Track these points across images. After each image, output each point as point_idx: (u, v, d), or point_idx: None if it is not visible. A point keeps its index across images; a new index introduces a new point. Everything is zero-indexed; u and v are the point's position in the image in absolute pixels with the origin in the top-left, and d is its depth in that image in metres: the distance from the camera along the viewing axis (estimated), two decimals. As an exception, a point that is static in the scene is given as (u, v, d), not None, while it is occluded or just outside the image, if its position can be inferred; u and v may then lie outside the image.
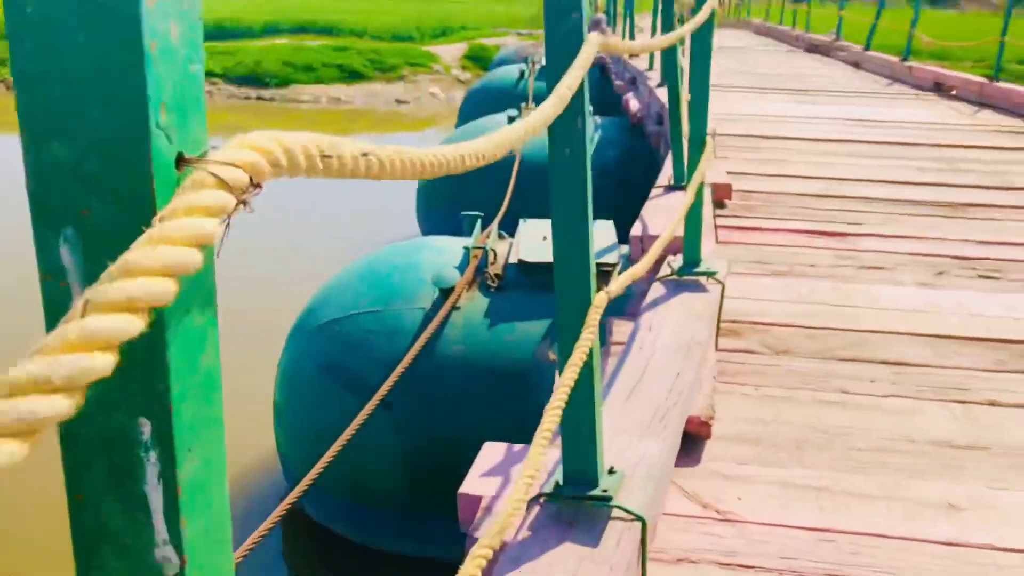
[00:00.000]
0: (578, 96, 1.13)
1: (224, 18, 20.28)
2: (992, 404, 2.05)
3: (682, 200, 2.33)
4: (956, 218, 3.57)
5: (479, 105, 11.28)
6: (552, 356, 3.72)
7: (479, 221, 4.31)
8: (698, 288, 2.28)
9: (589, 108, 1.21)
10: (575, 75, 1.00)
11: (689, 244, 2.31)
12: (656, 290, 2.29)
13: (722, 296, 2.30)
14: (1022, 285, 2.84)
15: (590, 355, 1.10)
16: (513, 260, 3.88)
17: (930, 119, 6.03)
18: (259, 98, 17.69)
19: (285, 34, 20.35)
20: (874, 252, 3.14)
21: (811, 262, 3.04)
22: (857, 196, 3.85)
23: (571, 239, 1.20)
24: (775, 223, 3.45)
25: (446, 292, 3.81)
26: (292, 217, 9.42)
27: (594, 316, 1.11)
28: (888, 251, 3.15)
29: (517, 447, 1.77)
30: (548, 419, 1.09)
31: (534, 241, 3.99)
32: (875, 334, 2.43)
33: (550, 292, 3.69)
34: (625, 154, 7.24)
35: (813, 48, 11.74)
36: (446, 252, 4.11)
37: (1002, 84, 6.57)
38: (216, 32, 19.95)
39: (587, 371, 1.13)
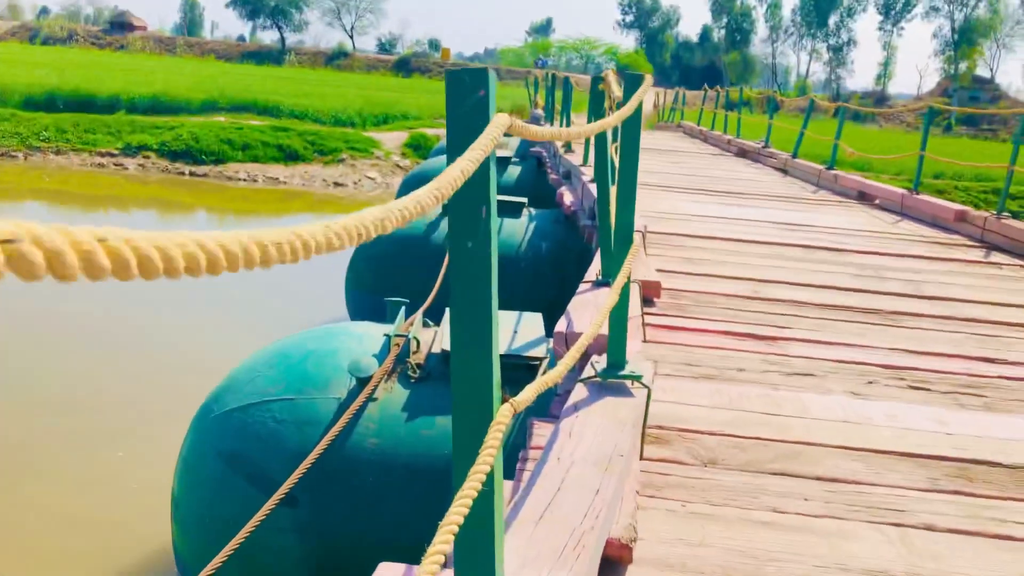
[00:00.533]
0: (481, 182, 1.00)
1: (161, 92, 20.11)
2: (928, 528, 1.93)
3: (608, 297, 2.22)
4: (884, 326, 3.55)
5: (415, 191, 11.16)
6: (472, 455, 3.53)
7: (403, 308, 4.14)
8: (623, 392, 2.14)
9: (494, 197, 1.07)
10: (474, 155, 0.87)
11: (614, 344, 2.18)
12: (579, 392, 2.14)
13: (648, 401, 2.16)
14: (950, 399, 2.78)
15: (489, 481, 0.92)
16: (437, 350, 3.70)
17: (855, 226, 6.17)
18: (192, 174, 17.41)
19: (224, 112, 20.26)
20: (803, 358, 3.06)
21: (740, 366, 2.94)
22: (786, 299, 3.82)
23: (470, 339, 1.04)
24: (704, 323, 3.37)
25: (363, 381, 3.60)
26: (213, 294, 9.09)
27: (495, 435, 0.94)
28: (817, 357, 3.08)
29: (417, 569, 1.57)
30: (439, 541, 0.91)
31: (459, 332, 3.83)
32: (806, 446, 2.32)
33: None
34: (559, 246, 7.21)
35: (743, 153, 12.14)
36: (366, 339, 3.91)
37: (922, 196, 6.81)
38: (152, 106, 19.74)
39: (485, 500, 0.96)
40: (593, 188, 5.89)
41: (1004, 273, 4.85)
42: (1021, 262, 5.15)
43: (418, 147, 19.94)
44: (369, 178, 17.85)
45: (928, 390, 2.85)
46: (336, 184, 17.59)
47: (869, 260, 4.95)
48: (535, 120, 25.06)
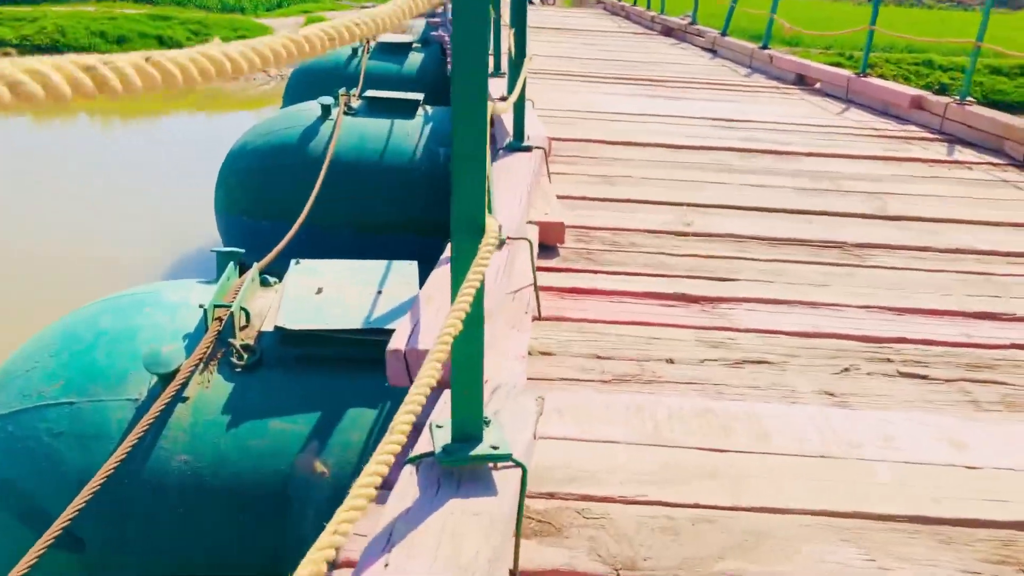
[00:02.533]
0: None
1: (18, -23, 17.70)
2: None
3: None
4: (849, 266, 2.73)
5: (304, 88, 9.91)
6: (319, 467, 2.64)
7: (234, 263, 3.14)
8: (479, 485, 1.26)
9: None
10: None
11: (461, 405, 1.27)
12: (406, 491, 1.25)
13: (522, 492, 1.29)
14: (959, 392, 2.00)
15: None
16: (269, 326, 2.76)
17: (797, 119, 5.32)
18: (61, 71, 15.43)
19: (93, 0, 18.00)
20: (754, 332, 2.23)
21: (669, 353, 2.09)
22: (725, 233, 2.96)
23: None
24: (621, 280, 2.49)
25: (167, 377, 2.66)
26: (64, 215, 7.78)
27: None
28: (772, 329, 2.25)
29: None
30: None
31: (303, 295, 2.87)
32: (771, 516, 1.50)
33: (320, 370, 2.52)
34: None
35: (668, 31, 11.08)
36: (182, 310, 2.94)
37: (870, 79, 5.97)
38: (8, -7, 17.37)
39: None
40: (495, 83, 4.87)
41: (975, 176, 4.08)
42: (991, 160, 4.39)
43: (318, 33, 18.10)
44: (262, 71, 16.15)
45: (926, 378, 2.06)
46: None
47: (818, 164, 4.12)
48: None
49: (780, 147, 4.43)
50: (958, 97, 5.06)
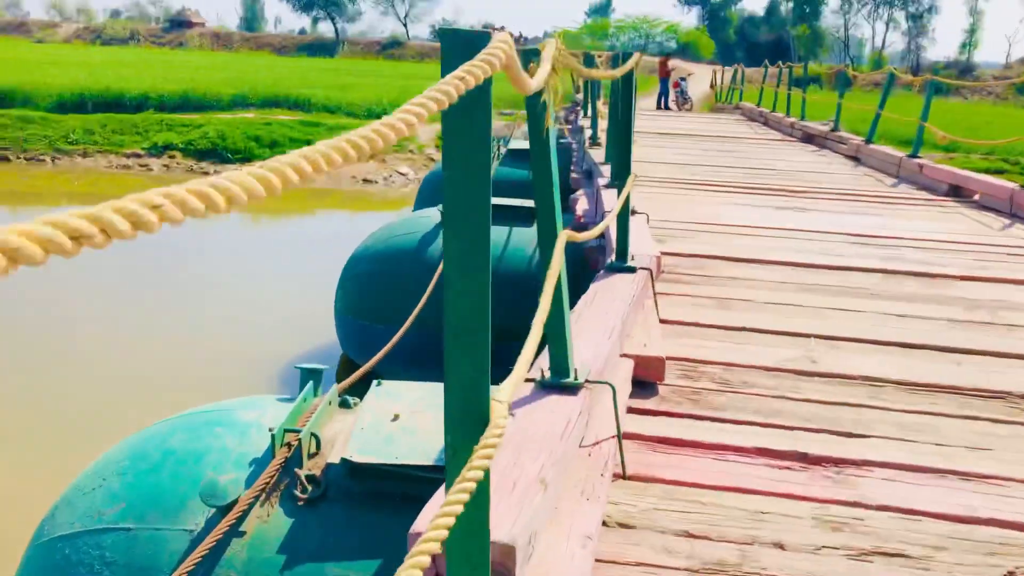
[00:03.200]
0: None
1: (190, 89, 19.44)
2: None
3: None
4: (1016, 424, 2.24)
5: (436, 191, 10.14)
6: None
7: (315, 381, 2.98)
8: None
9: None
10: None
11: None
12: None
13: None
14: None
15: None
16: (336, 458, 2.54)
17: (950, 235, 4.77)
18: (217, 173, 16.58)
19: (253, 108, 19.47)
20: (888, 512, 1.79)
21: (779, 536, 1.69)
22: (857, 375, 2.52)
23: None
24: (727, 433, 2.11)
25: (225, 509, 2.48)
26: (197, 316, 8.05)
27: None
28: (911, 509, 1.80)
29: None
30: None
31: (378, 422, 2.65)
32: None
33: (386, 508, 2.24)
34: (578, 264, 5.99)
35: (808, 138, 10.64)
36: (253, 432, 2.78)
37: (1037, 192, 5.34)
38: (180, 104, 19.06)
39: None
40: (607, 197, 4.66)
41: None
42: None
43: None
44: (400, 173, 16.81)
45: None
46: (365, 181, 16.59)
47: (976, 291, 3.59)
48: (575, 105, 23.67)
49: (929, 268, 3.93)
50: None
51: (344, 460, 2.45)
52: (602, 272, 2.94)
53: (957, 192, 6.29)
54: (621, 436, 1.84)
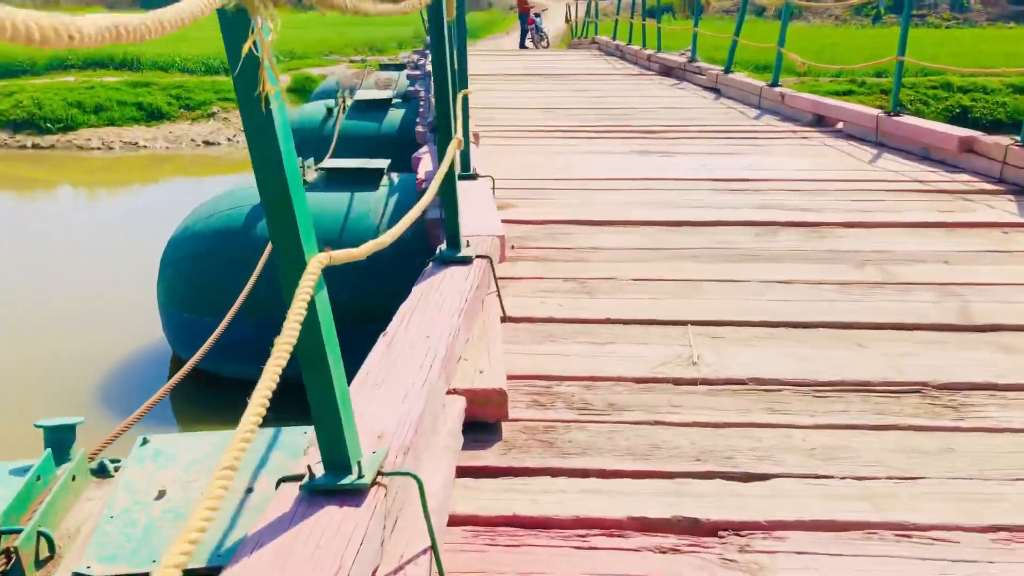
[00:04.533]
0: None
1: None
2: None
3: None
4: (943, 430, 1.79)
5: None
6: None
7: (66, 440, 2.24)
8: None
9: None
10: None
11: None
12: None
13: None
14: None
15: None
16: (73, 565, 1.85)
17: (822, 172, 4.40)
18: (36, 146, 14.86)
19: (74, 70, 17.49)
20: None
21: None
22: (748, 378, 2.02)
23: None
24: (589, 495, 1.56)
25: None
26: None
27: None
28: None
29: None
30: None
31: (135, 505, 1.96)
32: None
33: None
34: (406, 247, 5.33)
35: (667, 71, 10.26)
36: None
37: (905, 119, 5.06)
38: (-12, 70, 16.91)
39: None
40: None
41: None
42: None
43: (302, 91, 17.57)
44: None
45: None
46: (207, 143, 15.20)
47: (861, 240, 3.19)
48: (427, 48, 22.67)
49: (807, 216, 3.51)
50: (1019, 139, 4.14)
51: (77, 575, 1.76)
52: (428, 267, 2.32)
53: (821, 121, 6.00)
54: (438, 548, 1.25)
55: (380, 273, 5.09)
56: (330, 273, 1.16)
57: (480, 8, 44.96)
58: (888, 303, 2.52)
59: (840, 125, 5.76)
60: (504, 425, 1.75)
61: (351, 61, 20.66)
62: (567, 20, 22.28)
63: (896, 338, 2.26)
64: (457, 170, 3.67)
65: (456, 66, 4.09)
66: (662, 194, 3.96)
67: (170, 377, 5.98)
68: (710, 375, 2.01)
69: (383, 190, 5.72)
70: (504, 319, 2.36)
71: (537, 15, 21.61)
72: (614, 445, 1.68)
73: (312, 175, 5.96)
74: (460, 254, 2.34)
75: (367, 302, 4.93)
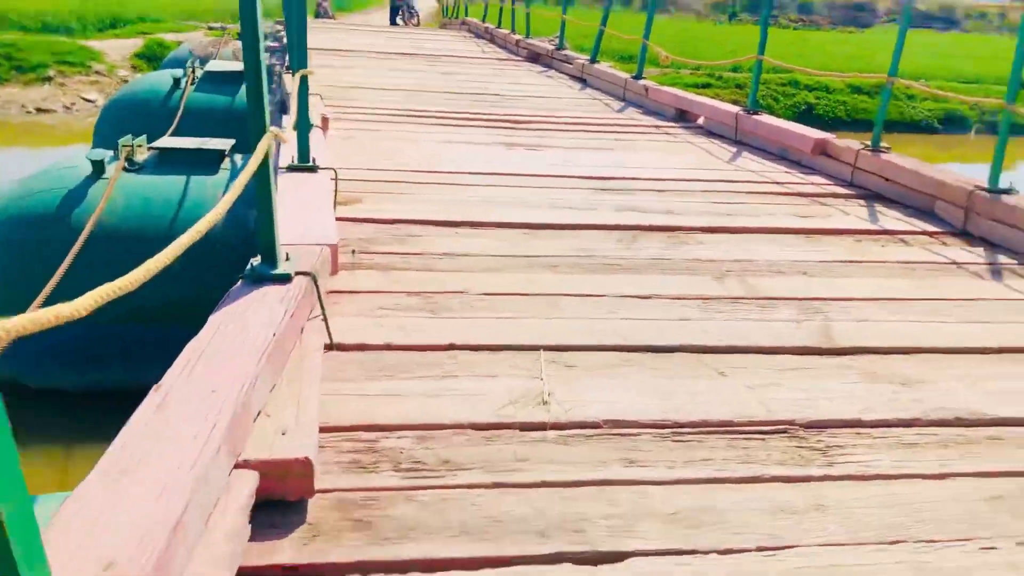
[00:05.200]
0: None
1: None
2: None
3: None
4: (812, 480, 1.63)
5: (118, 124, 8.30)
6: None
7: None
8: None
9: None
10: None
11: None
12: None
13: None
14: None
15: None
16: None
17: (684, 170, 4.30)
18: None
19: None
20: None
21: None
22: (604, 420, 1.81)
23: None
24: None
25: None
26: None
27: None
28: None
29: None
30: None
31: None
32: None
33: None
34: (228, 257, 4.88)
35: (535, 57, 10.08)
36: None
37: (763, 118, 5.05)
38: None
39: None
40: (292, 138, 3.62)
41: (917, 257, 3.11)
42: (925, 227, 3.46)
43: (154, 58, 16.34)
44: (87, 100, 14.21)
45: None
46: (40, 110, 13.85)
47: (722, 248, 3.06)
48: (323, 11, 21.65)
49: (670, 220, 3.37)
50: (869, 143, 4.17)
51: None
52: (235, 287, 1.97)
53: (683, 116, 5.95)
54: None
55: (223, 265, 4.62)
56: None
57: (350, -19, 43.58)
58: (750, 322, 2.37)
59: (701, 120, 5.73)
60: (311, 502, 1.45)
61: (209, 28, 19.39)
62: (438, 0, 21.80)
63: (759, 364, 2.10)
64: (278, 164, 3.29)
65: (295, 41, 3.70)
66: (525, 192, 3.73)
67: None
68: (561, 417, 1.78)
69: (223, 174, 5.20)
70: (330, 347, 2.05)
71: (407, -8, 21.02)
72: (446, 521, 1.41)
73: (143, 154, 5.36)
74: (276, 271, 2.00)
75: (206, 296, 4.45)
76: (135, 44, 17.16)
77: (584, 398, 1.87)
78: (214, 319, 1.79)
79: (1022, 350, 2.25)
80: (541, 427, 1.74)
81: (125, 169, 5.03)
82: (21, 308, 3.45)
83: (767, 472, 1.62)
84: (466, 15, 16.51)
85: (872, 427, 1.80)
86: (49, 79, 14.49)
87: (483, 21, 14.32)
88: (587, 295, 2.52)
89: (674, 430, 1.76)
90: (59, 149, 12.88)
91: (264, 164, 1.93)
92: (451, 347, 2.12)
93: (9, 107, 13.81)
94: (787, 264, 2.92)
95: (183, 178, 5.09)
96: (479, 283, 2.57)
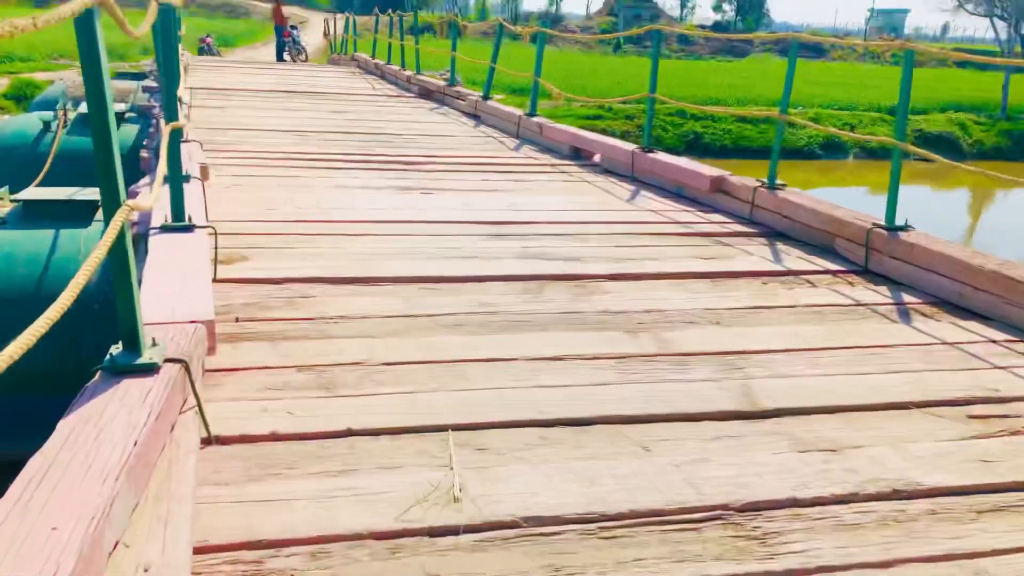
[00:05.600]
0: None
1: None
2: None
3: None
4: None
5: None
6: None
7: None
8: None
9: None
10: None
11: None
12: None
13: None
14: None
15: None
16: None
17: (583, 211, 4.20)
18: None
19: None
20: None
21: None
22: (522, 517, 1.62)
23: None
24: None
25: None
26: None
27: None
28: None
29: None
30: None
31: None
32: None
33: None
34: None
35: (427, 93, 9.94)
36: None
37: (659, 156, 5.03)
38: None
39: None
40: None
41: (827, 300, 3.08)
42: (828, 265, 3.45)
43: (23, 98, 15.42)
44: None
45: None
46: None
47: (629, 298, 2.95)
48: (207, 48, 20.84)
49: (574, 268, 3.24)
50: (766, 180, 4.18)
51: None
52: (92, 382, 1.69)
53: (578, 154, 5.90)
54: None
55: (102, 324, 4.22)
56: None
57: (237, 16, 42.53)
58: (669, 384, 2.24)
59: (597, 158, 5.69)
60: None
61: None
62: (325, 35, 21.43)
63: (684, 434, 1.96)
64: (134, 232, 3.00)
65: (165, 87, 3.41)
66: (422, 241, 3.53)
67: None
68: (475, 516, 1.58)
69: (97, 226, 4.79)
70: (208, 441, 1.79)
71: (294, 27, 20.65)
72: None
73: (5, 207, 4.92)
74: (140, 360, 1.73)
75: (74, 365, 4.04)
76: (1, 84, 16.16)
77: (500, 490, 1.68)
78: (63, 426, 1.52)
79: (941, 403, 2.20)
80: (453, 531, 1.54)
81: (-12, 223, 4.60)
82: None
83: (705, 572, 1.46)
84: (355, 51, 16.26)
85: (809, 506, 1.68)
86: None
87: (373, 57, 14.11)
88: (495, 359, 2.34)
89: (601, 524, 1.59)
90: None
91: (120, 240, 1.67)
92: (348, 432, 1.90)
93: None
94: (698, 313, 2.83)
95: (51, 232, 4.67)
96: (378, 351, 2.35)
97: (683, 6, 59.62)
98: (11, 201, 4.89)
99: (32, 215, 4.70)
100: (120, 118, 7.98)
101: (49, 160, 6.56)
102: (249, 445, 1.82)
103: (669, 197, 4.66)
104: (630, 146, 5.39)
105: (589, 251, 3.51)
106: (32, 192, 4.98)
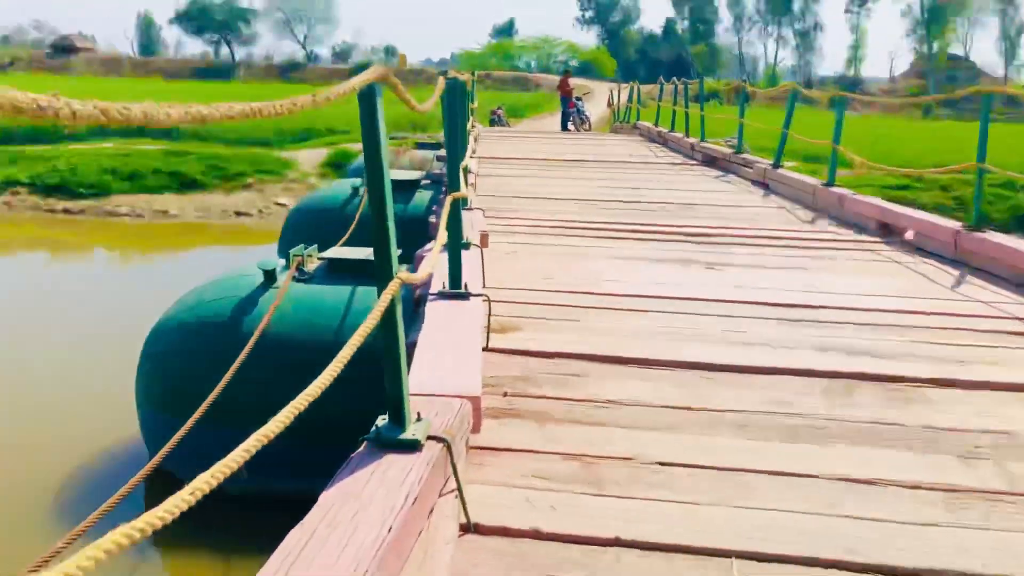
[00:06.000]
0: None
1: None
2: None
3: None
4: None
5: (301, 228, 8.67)
6: None
7: None
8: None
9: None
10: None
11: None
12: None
13: None
14: None
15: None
16: None
17: (895, 300, 3.65)
18: (67, 211, 14.68)
19: (115, 137, 17.49)
20: None
21: None
22: None
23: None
24: None
25: None
26: None
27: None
28: None
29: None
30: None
31: None
32: None
33: None
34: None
35: (710, 160, 9.65)
36: None
37: (991, 235, 4.30)
38: (32, 135, 17.00)
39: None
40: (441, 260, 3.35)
41: None
42: None
43: (340, 165, 17.35)
44: (279, 204, 15.16)
45: None
46: (238, 214, 14.89)
47: (962, 411, 2.42)
48: (497, 119, 22.48)
49: (885, 367, 2.75)
50: None
51: None
52: (357, 453, 1.61)
53: (886, 230, 5.26)
54: None
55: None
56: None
57: (527, 89, 45.52)
58: (1020, 535, 1.74)
59: (909, 235, 5.02)
60: None
61: (391, 138, 20.50)
62: (609, 104, 21.98)
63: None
64: (416, 295, 3.01)
65: (450, 159, 3.46)
66: (703, 321, 3.24)
67: (149, 486, 5.27)
68: None
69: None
70: (466, 529, 1.65)
71: (579, 98, 21.41)
72: None
73: (312, 264, 5.37)
74: (403, 435, 1.64)
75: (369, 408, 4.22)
76: (321, 154, 18.35)
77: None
78: (325, 499, 1.44)
79: None
80: None
81: (295, 279, 5.03)
82: (190, 411, 3.16)
83: None
84: (638, 119, 16.41)
85: None
86: (249, 186, 15.64)
87: (656, 125, 14.12)
88: (788, 473, 1.99)
89: None
90: (258, 248, 13.71)
91: (390, 312, 1.60)
92: (616, 542, 1.66)
93: (210, 212, 14.97)
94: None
95: (349, 288, 5.02)
96: (650, 447, 2.10)
97: (1007, 64, 53.85)
98: (319, 259, 5.32)
99: (335, 272, 5.10)
100: (415, 185, 8.62)
101: (354, 223, 7.17)
102: (509, 540, 1.65)
103: (1005, 285, 3.94)
104: (952, 223, 4.70)
105: (904, 347, 3.00)
106: (336, 251, 5.41)
